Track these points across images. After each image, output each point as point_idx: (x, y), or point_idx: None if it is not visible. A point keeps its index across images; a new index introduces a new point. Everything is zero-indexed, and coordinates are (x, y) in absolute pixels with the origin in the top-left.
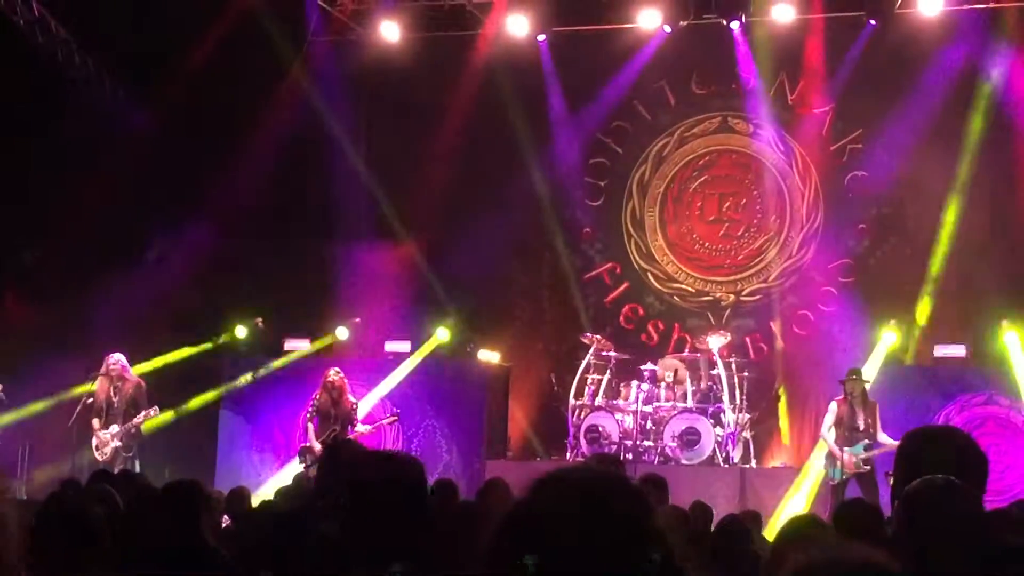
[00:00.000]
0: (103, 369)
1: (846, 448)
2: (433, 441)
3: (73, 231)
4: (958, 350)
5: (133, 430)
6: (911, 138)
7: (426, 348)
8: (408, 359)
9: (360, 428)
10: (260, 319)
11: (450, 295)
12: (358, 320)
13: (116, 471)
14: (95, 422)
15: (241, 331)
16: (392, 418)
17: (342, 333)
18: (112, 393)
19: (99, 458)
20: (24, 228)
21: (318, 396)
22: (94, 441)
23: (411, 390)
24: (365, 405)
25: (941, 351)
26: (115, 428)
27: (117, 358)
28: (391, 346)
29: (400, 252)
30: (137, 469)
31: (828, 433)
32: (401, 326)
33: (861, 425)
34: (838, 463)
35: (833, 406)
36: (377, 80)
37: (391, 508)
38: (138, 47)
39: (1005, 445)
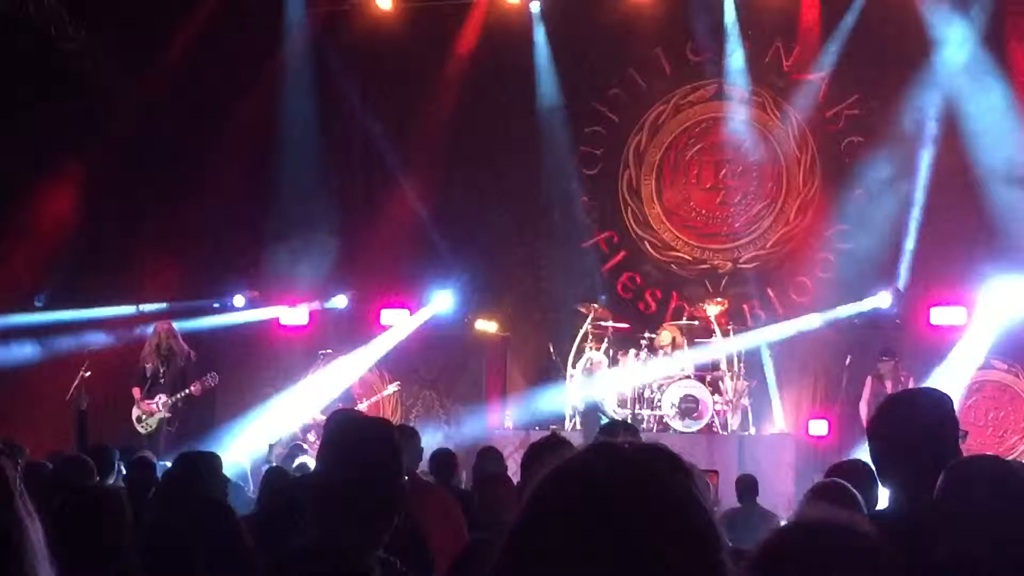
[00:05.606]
0: (152, 339)
1: None
2: (431, 411)
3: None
4: (956, 314)
5: (181, 401)
6: (907, 103)
7: (423, 317)
8: (405, 328)
9: (361, 406)
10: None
11: (447, 265)
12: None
13: (161, 442)
14: (136, 392)
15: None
16: (393, 387)
17: (340, 301)
18: (160, 363)
19: (141, 431)
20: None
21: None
22: (135, 412)
23: (409, 360)
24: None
25: (938, 315)
26: (163, 398)
27: (168, 326)
28: (388, 315)
29: (396, 222)
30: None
31: (862, 407)
32: (399, 295)
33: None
34: None
35: (868, 381)
36: (371, 50)
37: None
38: (131, 20)
39: (1004, 408)
